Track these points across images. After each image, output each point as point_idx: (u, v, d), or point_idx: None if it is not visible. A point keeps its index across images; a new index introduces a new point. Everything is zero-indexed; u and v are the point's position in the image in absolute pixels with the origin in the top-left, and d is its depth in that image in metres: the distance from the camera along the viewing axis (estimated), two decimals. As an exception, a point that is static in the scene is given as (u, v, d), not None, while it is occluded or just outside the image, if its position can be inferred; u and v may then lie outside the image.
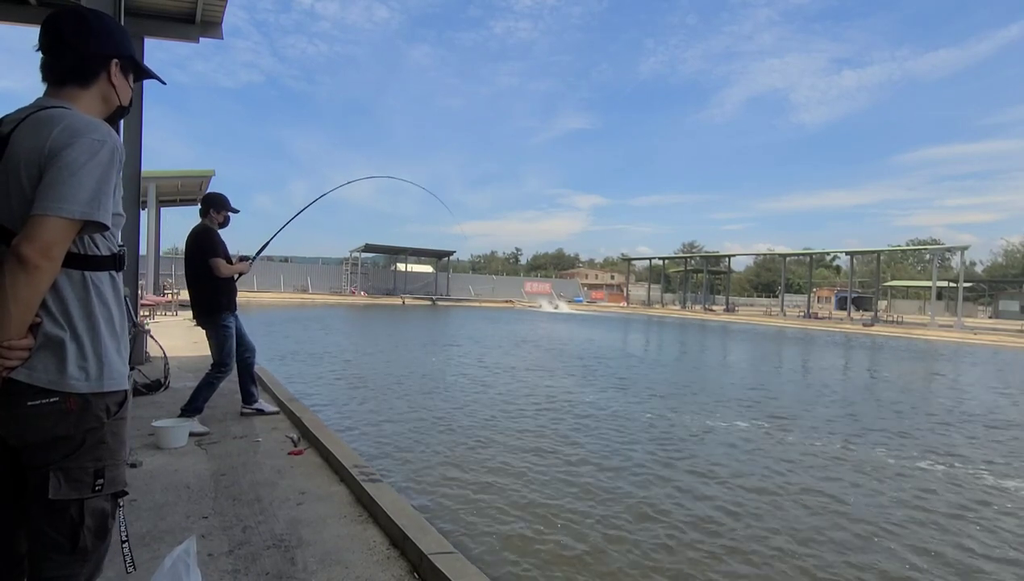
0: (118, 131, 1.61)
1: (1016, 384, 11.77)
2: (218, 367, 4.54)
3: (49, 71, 1.36)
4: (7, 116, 1.31)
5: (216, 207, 4.71)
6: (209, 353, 4.69)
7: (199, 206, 4.75)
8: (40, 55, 1.37)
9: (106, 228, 1.27)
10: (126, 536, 1.41)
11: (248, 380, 5.00)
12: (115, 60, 1.41)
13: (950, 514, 4.14)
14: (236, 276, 4.74)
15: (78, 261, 1.27)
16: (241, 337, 4.83)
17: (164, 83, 1.67)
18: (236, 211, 4.84)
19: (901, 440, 6.25)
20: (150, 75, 1.57)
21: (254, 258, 4.91)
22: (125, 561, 1.39)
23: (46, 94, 1.36)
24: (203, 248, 4.55)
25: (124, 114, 1.51)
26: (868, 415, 7.59)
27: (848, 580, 3.13)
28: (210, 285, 4.56)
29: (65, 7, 1.45)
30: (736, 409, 7.55)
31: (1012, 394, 10.27)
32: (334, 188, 5.93)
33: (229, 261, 4.67)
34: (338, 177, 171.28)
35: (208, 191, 4.68)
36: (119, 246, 1.38)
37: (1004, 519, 4.10)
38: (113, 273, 1.35)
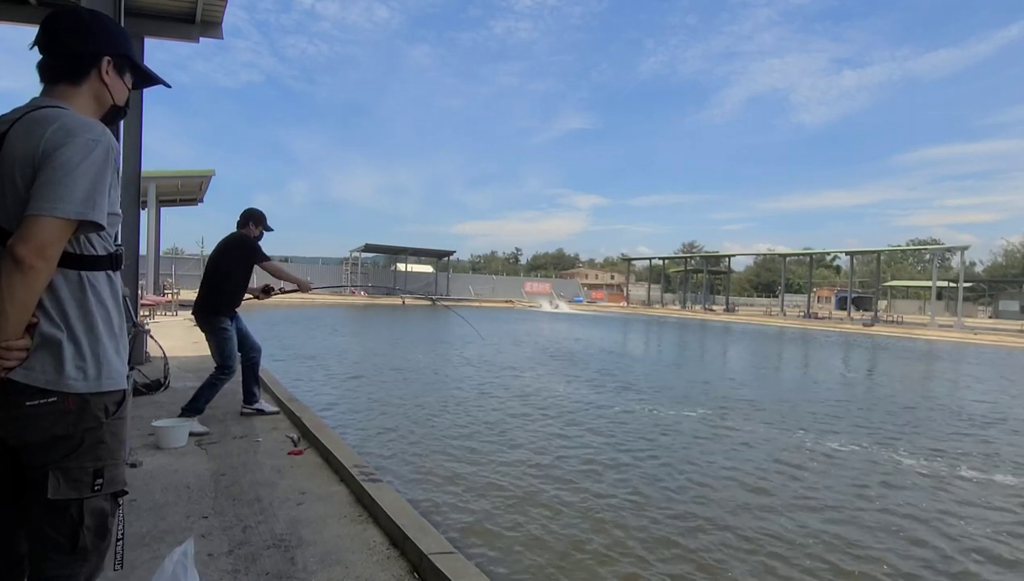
0: (117, 132, 1.60)
1: (1008, 383, 11.77)
2: (221, 369, 4.57)
3: (44, 70, 1.36)
4: (2, 116, 1.31)
5: (255, 221, 4.96)
6: (209, 353, 4.71)
7: (238, 217, 4.95)
8: (38, 54, 1.37)
9: (101, 228, 1.27)
10: (122, 535, 1.41)
11: (252, 380, 5.03)
12: (107, 57, 1.39)
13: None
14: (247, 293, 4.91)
15: (74, 261, 1.26)
16: (245, 337, 4.88)
17: (169, 86, 1.64)
18: (271, 229, 5.06)
19: (872, 437, 6.25)
20: (154, 80, 1.55)
21: (277, 292, 5.05)
22: (115, 559, 1.39)
23: (41, 94, 1.36)
24: (246, 253, 4.76)
25: (121, 115, 1.49)
26: (850, 412, 7.60)
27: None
28: (229, 287, 4.69)
29: (63, 7, 1.44)
30: (743, 410, 7.56)
31: (1001, 391, 10.27)
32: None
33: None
34: (338, 177, 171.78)
35: (249, 207, 5.02)
36: (116, 245, 1.37)
37: (908, 500, 4.23)
38: (110, 273, 1.35)
